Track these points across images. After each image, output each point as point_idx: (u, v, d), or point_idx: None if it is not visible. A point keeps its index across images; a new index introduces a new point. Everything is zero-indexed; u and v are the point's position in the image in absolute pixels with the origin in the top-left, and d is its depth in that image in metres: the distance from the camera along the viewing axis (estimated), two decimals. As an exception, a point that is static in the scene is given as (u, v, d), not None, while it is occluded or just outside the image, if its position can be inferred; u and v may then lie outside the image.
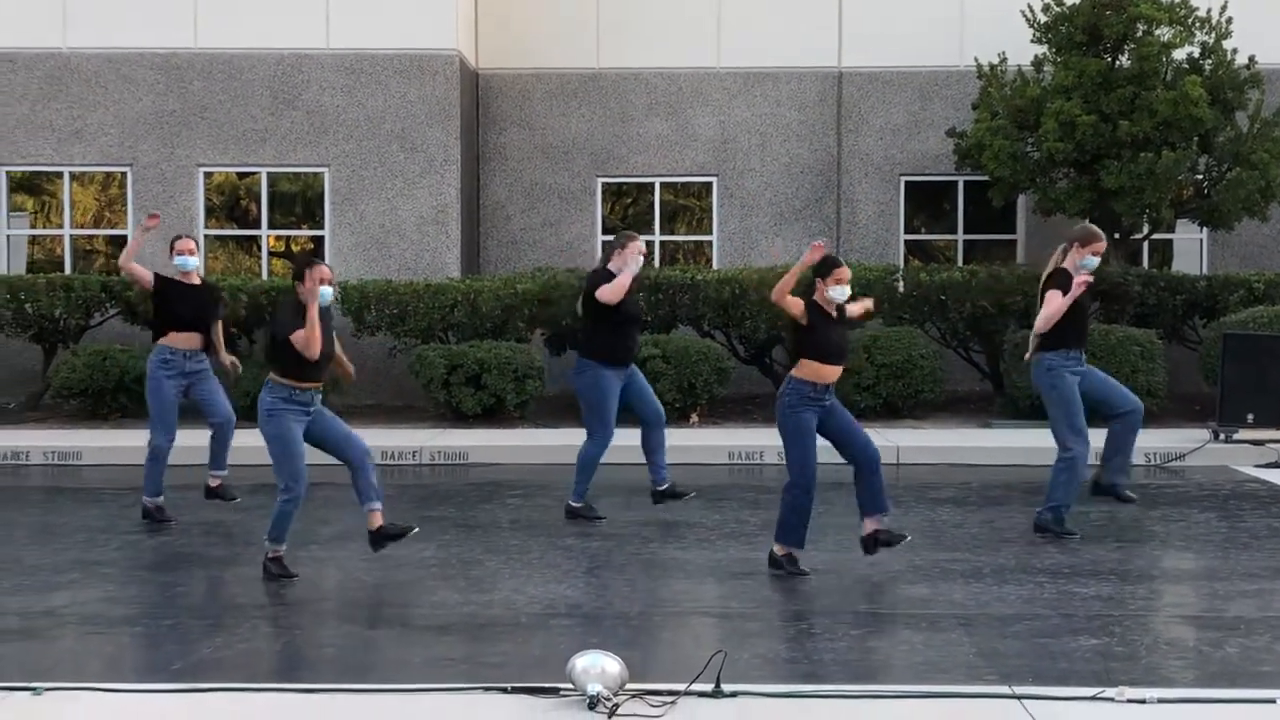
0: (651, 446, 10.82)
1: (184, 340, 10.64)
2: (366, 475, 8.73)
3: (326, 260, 18.45)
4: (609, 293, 10.32)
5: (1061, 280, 9.97)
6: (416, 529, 8.97)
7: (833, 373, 8.73)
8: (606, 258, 10.58)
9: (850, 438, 8.76)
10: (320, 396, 8.74)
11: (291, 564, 8.83)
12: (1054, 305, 9.86)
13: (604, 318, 10.44)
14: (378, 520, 8.82)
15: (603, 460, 10.73)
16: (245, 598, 8.39)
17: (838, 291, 8.75)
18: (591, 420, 10.59)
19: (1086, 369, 10.17)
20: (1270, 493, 12.14)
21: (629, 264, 10.41)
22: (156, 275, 10.89)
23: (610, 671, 5.99)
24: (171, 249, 10.90)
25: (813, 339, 8.69)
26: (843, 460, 8.89)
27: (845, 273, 8.79)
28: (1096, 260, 10.09)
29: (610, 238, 19.64)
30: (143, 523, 10.64)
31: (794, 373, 8.72)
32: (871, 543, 8.88)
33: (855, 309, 9.20)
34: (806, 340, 8.71)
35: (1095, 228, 10.22)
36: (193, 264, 10.73)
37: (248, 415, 15.46)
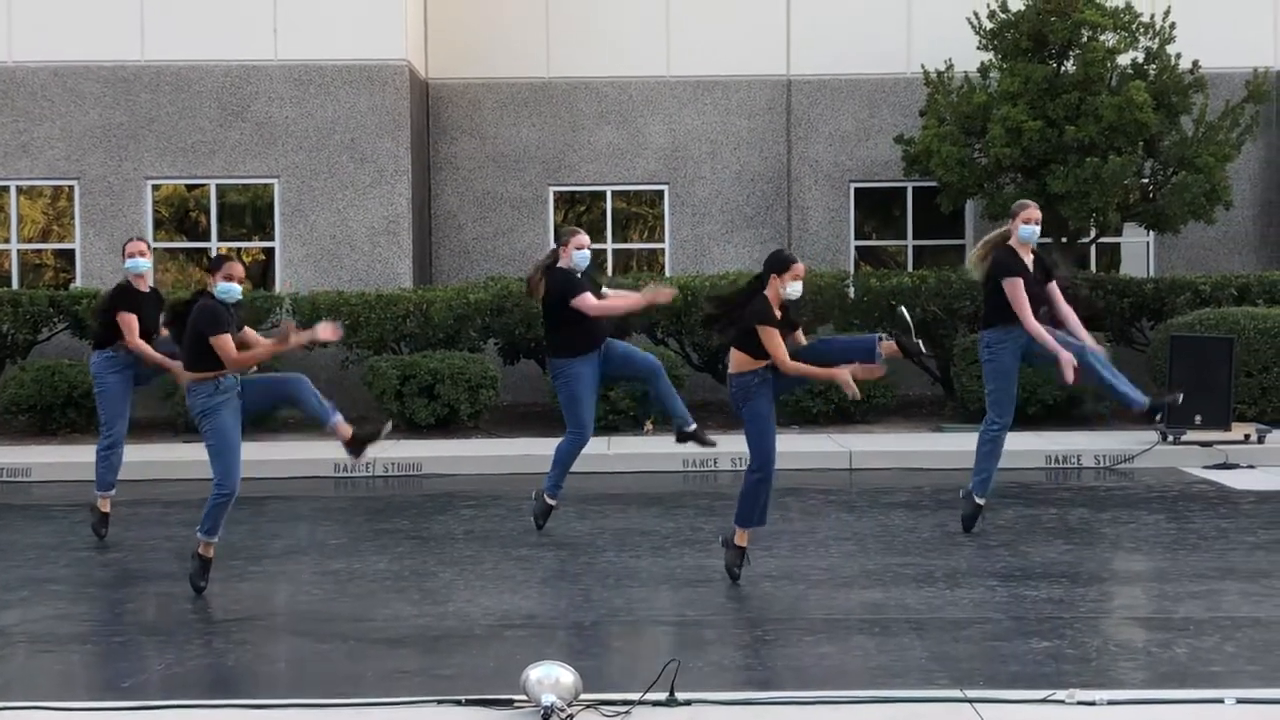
0: (661, 394, 10.59)
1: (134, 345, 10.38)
2: (309, 402, 8.66)
3: (278, 272, 18.38)
4: (590, 308, 10.26)
5: (1001, 257, 10.07)
6: (389, 424, 8.81)
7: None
8: (554, 255, 10.41)
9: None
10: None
11: (241, 579, 8.80)
12: (1014, 291, 9.99)
13: (559, 315, 10.33)
14: (346, 431, 8.71)
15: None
16: (196, 614, 8.35)
17: (793, 288, 8.70)
18: (567, 416, 10.52)
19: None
20: (1218, 494, 12.26)
21: (574, 262, 10.29)
22: (117, 287, 10.46)
23: (564, 682, 6.00)
24: (123, 252, 10.52)
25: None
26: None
27: (800, 268, 8.74)
28: (1031, 229, 10.13)
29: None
30: (92, 539, 10.53)
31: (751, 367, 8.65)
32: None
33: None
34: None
35: (1025, 199, 10.27)
36: (144, 266, 10.32)
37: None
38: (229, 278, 8.55)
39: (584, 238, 10.43)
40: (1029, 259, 10.19)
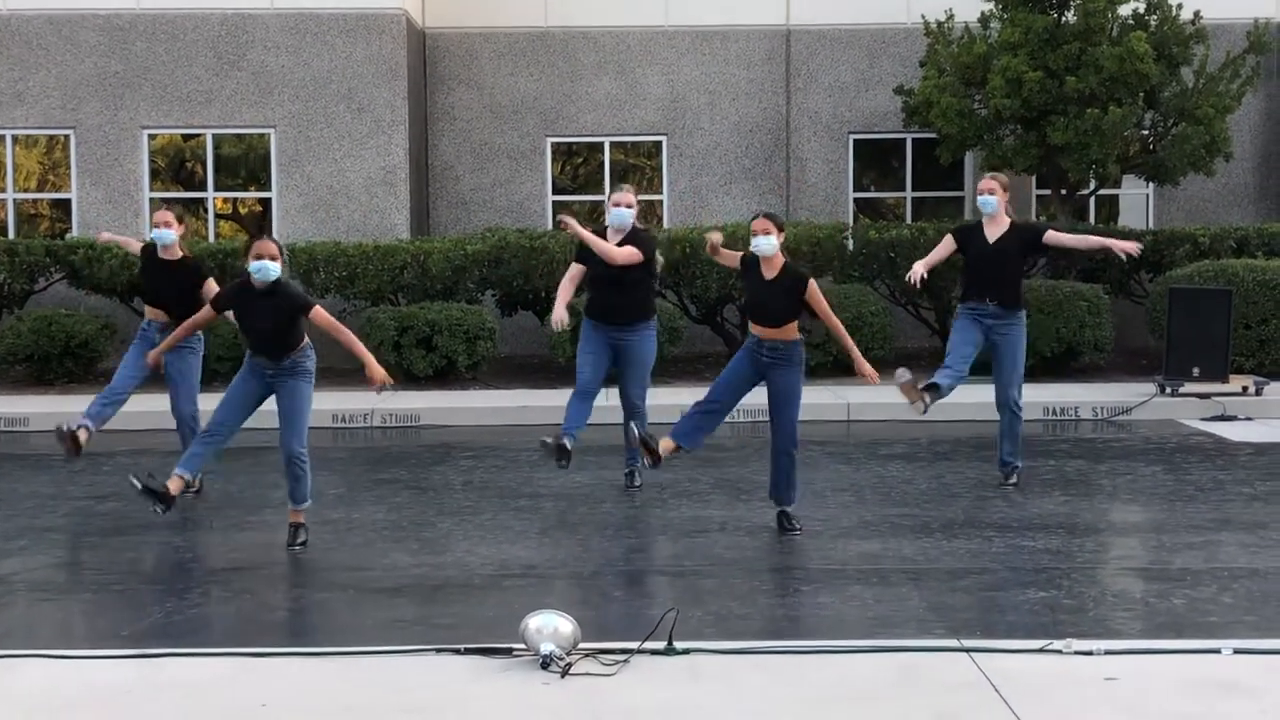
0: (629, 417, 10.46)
1: (153, 314, 10.40)
2: (289, 480, 8.70)
3: (274, 224, 18.32)
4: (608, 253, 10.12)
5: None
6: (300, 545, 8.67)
7: (758, 329, 8.80)
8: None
9: (771, 415, 8.84)
10: (287, 367, 8.59)
11: (240, 528, 8.84)
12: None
13: (587, 274, 10.34)
14: (299, 519, 8.74)
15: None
16: (196, 563, 8.37)
17: (755, 243, 8.76)
18: None
19: (1007, 330, 10.15)
20: (1216, 446, 12.28)
21: (610, 219, 10.17)
22: (143, 245, 10.55)
23: (563, 631, 6.01)
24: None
25: (745, 297, 8.93)
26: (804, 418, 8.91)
27: (760, 223, 8.74)
28: (981, 197, 10.23)
29: (561, 198, 19.73)
30: (92, 489, 10.53)
31: None
32: (782, 522, 8.92)
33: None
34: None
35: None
36: (169, 238, 10.20)
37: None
38: (258, 256, 8.51)
39: (621, 195, 10.18)
40: (993, 230, 10.20)
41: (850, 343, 8.99)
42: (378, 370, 8.61)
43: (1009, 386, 10.21)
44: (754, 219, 8.82)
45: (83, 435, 9.85)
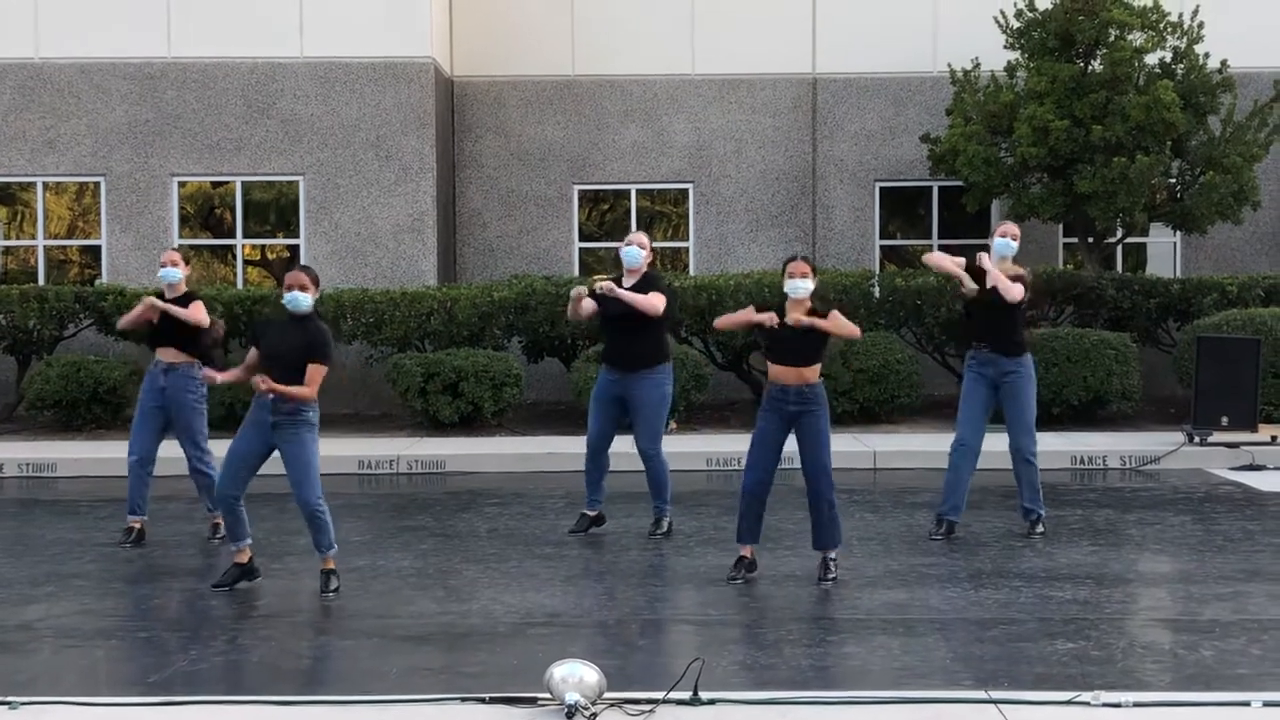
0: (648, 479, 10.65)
1: (161, 354, 10.46)
2: (311, 530, 8.70)
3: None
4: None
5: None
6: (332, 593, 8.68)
7: (782, 373, 8.73)
8: None
9: (804, 462, 8.75)
10: (280, 405, 8.46)
11: (265, 575, 8.89)
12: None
13: (599, 314, 10.43)
14: (330, 565, 8.73)
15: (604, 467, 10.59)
16: (221, 610, 8.36)
17: (790, 286, 8.74)
18: None
19: (1012, 379, 10.13)
20: (1244, 495, 12.20)
21: (622, 255, 10.43)
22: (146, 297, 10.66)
23: (588, 681, 6.00)
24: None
25: (766, 339, 8.82)
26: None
27: (798, 266, 8.75)
28: (1001, 239, 10.29)
29: (587, 245, 19.77)
30: (119, 535, 10.54)
31: None
32: (822, 569, 8.88)
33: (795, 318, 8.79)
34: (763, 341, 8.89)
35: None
36: (174, 276, 10.38)
37: (223, 425, 15.44)
38: (290, 287, 8.64)
39: (635, 235, 10.49)
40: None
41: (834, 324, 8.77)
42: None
43: (1021, 435, 10.21)
44: (790, 261, 8.81)
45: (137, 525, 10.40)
